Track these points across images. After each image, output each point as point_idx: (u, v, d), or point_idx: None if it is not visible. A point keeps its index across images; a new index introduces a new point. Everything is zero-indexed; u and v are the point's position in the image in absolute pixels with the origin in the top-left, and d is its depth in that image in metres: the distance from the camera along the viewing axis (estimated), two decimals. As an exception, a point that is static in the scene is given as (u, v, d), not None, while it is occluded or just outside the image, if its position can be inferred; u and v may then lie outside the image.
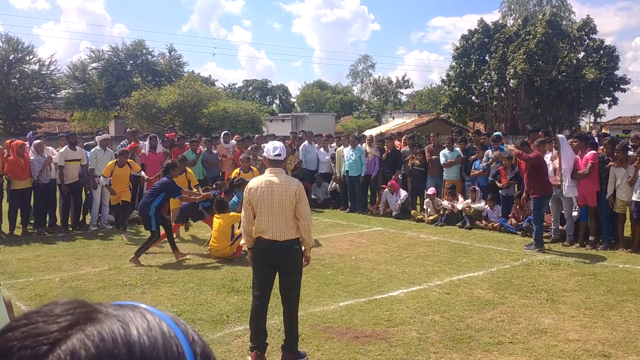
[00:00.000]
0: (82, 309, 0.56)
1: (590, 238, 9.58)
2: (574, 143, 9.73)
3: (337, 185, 14.62)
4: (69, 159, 10.98)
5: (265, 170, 5.10)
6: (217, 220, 8.75)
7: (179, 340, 0.56)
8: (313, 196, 14.73)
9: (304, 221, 4.91)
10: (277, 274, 4.98)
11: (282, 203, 4.83)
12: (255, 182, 4.99)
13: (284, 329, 4.96)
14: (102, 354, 0.51)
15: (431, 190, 12.31)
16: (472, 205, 11.54)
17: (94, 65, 39.97)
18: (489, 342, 5.13)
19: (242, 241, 7.73)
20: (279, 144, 5.22)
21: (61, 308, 0.56)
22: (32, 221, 11.09)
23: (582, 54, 38.03)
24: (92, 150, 11.48)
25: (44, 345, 0.52)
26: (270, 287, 5.03)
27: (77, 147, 11.26)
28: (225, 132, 15.66)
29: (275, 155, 4.98)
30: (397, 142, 14.53)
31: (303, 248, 5.03)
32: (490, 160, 11.67)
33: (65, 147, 11.05)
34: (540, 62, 36.43)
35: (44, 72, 35.13)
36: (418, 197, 13.48)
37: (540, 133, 11.86)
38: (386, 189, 13.10)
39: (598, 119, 42.18)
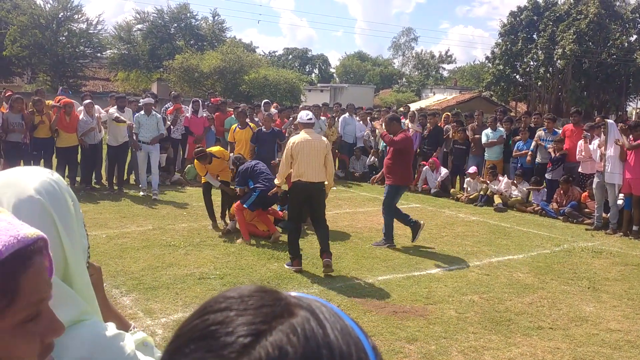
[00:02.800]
0: (281, 301, 0.55)
1: (634, 228, 9.38)
2: (630, 132, 9.38)
3: (376, 159, 14.59)
4: (118, 120, 11.23)
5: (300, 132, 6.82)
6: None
7: (365, 346, 0.55)
8: (351, 169, 14.78)
9: (330, 168, 6.75)
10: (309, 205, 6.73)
11: (317, 154, 6.53)
12: (296, 138, 6.68)
13: (319, 241, 6.64)
14: (307, 353, 0.50)
15: (472, 169, 12.19)
16: (513, 193, 11.44)
17: (138, 26, 40.37)
18: (529, 327, 5.13)
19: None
20: (309, 111, 7.23)
21: (259, 297, 0.55)
22: (78, 178, 11.42)
23: (635, 37, 36.66)
24: (136, 114, 11.24)
25: (249, 335, 0.51)
26: (302, 215, 6.92)
27: (125, 109, 11.49)
28: (266, 100, 15.74)
29: (307, 120, 6.81)
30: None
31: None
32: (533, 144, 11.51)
33: (114, 108, 11.26)
34: (590, 44, 35.27)
35: (91, 32, 35.66)
36: (458, 176, 13.37)
37: (597, 118, 11.51)
38: (426, 166, 13.02)
39: (646, 105, 40.81)
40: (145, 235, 7.84)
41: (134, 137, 10.93)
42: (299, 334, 0.51)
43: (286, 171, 6.66)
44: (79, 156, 11.27)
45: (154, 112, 11.14)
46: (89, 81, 37.11)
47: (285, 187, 8.06)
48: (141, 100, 11.92)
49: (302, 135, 6.65)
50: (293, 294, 0.58)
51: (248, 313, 0.53)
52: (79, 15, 35.01)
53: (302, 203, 6.68)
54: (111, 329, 1.16)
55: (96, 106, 11.64)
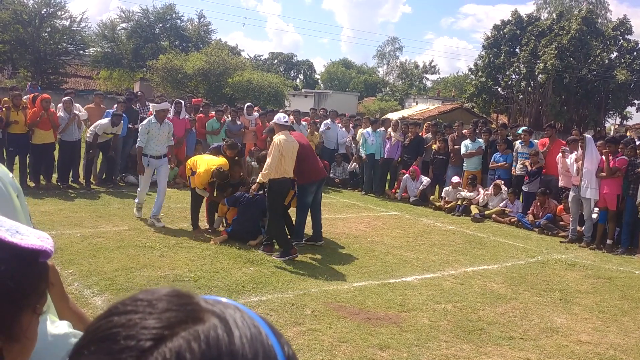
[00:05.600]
0: (189, 306, 0.55)
1: (608, 242, 9.53)
2: (607, 148, 9.54)
3: (357, 165, 14.62)
4: (107, 132, 11.22)
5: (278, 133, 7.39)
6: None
7: (277, 355, 0.54)
8: (331, 175, 14.77)
9: None
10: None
11: (294, 153, 7.35)
12: (281, 138, 7.23)
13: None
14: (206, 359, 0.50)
15: (455, 180, 12.29)
16: (490, 204, 11.56)
17: (123, 25, 39.98)
18: (500, 336, 5.16)
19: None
20: (285, 114, 8.10)
21: (167, 302, 0.55)
22: (55, 175, 11.28)
23: (615, 54, 37.22)
24: (145, 122, 8.83)
25: (149, 340, 0.51)
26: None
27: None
28: (249, 104, 15.69)
29: (285, 122, 7.45)
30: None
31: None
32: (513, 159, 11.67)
33: (107, 121, 11.13)
34: (571, 59, 35.75)
35: (75, 29, 35.24)
36: (437, 185, 13.46)
37: (573, 132, 11.69)
38: (407, 175, 13.08)
39: (624, 122, 41.40)
40: (120, 236, 7.75)
41: (138, 156, 8.79)
42: (201, 340, 0.51)
43: (277, 169, 7.17)
44: (56, 153, 11.13)
45: (166, 120, 9.00)
46: (70, 78, 36.64)
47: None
48: (152, 105, 9.81)
49: (284, 136, 7.27)
50: (210, 298, 0.57)
51: (153, 317, 0.53)
52: (63, 12, 34.61)
53: (285, 196, 7.57)
54: (61, 327, 1.12)
55: (77, 104, 11.53)
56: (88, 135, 11.33)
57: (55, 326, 1.11)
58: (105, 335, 0.52)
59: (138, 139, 8.74)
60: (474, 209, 11.50)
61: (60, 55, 35.27)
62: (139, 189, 8.94)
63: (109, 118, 11.13)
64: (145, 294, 0.57)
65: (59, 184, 11.07)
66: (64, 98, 11.05)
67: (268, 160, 7.27)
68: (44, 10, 33.79)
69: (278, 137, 7.26)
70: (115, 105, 11.81)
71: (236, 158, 9.04)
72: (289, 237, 7.62)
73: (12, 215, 1.09)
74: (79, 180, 11.54)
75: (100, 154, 11.75)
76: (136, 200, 8.94)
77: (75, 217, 8.66)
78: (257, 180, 7.49)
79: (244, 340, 0.52)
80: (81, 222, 8.42)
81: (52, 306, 1.19)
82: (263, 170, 7.38)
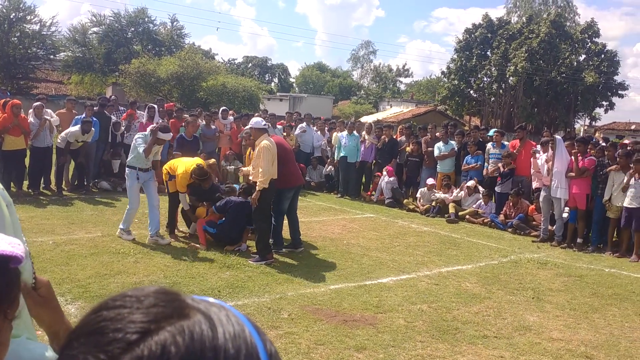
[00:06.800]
0: (175, 302, 0.57)
1: (579, 240, 9.72)
2: (576, 147, 9.75)
3: (332, 169, 14.67)
4: (78, 140, 11.08)
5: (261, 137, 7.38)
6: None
7: (259, 352, 0.57)
8: (307, 178, 14.78)
9: None
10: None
11: (276, 155, 7.37)
12: (266, 142, 7.26)
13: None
14: (190, 353, 0.52)
15: (430, 181, 12.41)
16: (465, 204, 11.72)
17: (94, 29, 39.35)
18: (474, 335, 5.24)
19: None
20: (261, 118, 8.20)
21: (154, 298, 0.57)
22: (26, 182, 11.09)
23: (583, 56, 38.02)
24: (141, 138, 7.93)
25: (136, 333, 0.53)
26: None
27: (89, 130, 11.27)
28: (224, 108, 15.64)
29: (263, 125, 7.53)
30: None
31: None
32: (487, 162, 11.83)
33: (78, 129, 10.97)
34: (541, 62, 36.42)
35: (45, 33, 34.62)
36: (411, 187, 13.58)
37: (544, 133, 11.91)
38: (382, 177, 13.15)
39: (593, 123, 42.28)
40: (93, 242, 7.66)
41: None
42: (186, 335, 0.53)
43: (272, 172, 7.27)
44: (27, 160, 10.95)
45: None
46: (41, 83, 35.97)
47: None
48: (158, 132, 7.92)
49: (268, 139, 7.34)
50: (198, 298, 0.60)
51: (140, 312, 0.55)
52: (32, 16, 33.97)
53: (270, 200, 7.53)
54: (39, 348, 1.09)
55: (48, 110, 11.36)
56: (59, 141, 11.17)
57: (32, 347, 1.09)
58: (94, 328, 0.55)
59: (139, 148, 7.82)
60: (452, 208, 11.60)
61: (30, 60, 34.60)
62: (128, 210, 7.94)
63: (79, 125, 10.99)
64: (134, 291, 0.59)
65: (30, 190, 10.88)
66: (35, 103, 10.88)
67: (262, 164, 7.17)
68: (13, 14, 33.15)
69: (264, 142, 7.25)
70: (85, 111, 11.67)
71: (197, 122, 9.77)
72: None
73: (0, 226, 1.08)
74: (50, 187, 11.36)
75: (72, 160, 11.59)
76: (121, 227, 7.93)
77: (47, 224, 8.53)
78: (258, 188, 7.27)
79: (227, 337, 0.55)
80: (53, 229, 8.30)
81: (30, 327, 1.17)
82: (260, 177, 7.23)
